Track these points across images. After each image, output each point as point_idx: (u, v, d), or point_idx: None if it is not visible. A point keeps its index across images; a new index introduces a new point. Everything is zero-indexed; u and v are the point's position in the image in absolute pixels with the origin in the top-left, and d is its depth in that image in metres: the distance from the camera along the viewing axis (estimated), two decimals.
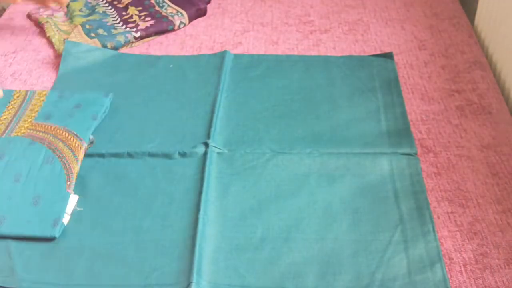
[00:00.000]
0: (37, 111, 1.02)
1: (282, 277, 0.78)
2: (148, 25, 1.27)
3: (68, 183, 0.89)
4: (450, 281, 0.77)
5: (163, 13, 1.31)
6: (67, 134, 0.96)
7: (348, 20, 1.31)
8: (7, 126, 0.99)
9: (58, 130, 0.97)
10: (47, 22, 1.29)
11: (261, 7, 1.38)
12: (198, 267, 0.78)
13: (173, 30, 1.29)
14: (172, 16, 1.30)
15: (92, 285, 0.78)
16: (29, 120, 1.00)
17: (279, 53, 1.22)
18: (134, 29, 1.25)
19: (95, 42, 1.22)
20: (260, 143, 0.98)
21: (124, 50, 1.24)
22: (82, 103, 1.04)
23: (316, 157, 0.95)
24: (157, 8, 1.33)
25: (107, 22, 1.29)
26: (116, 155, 0.96)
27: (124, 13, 1.32)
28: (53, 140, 0.95)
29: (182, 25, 1.30)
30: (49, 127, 0.98)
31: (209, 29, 1.30)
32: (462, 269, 0.79)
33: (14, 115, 1.02)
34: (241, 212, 0.87)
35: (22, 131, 0.98)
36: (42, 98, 1.05)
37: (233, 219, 0.86)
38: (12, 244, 0.83)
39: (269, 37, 1.27)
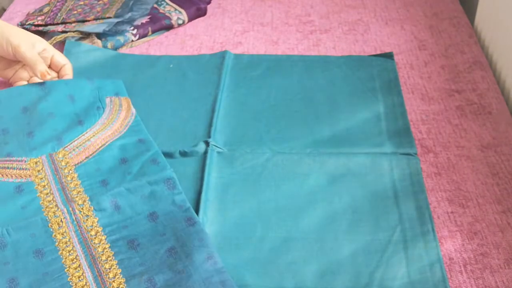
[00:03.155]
0: None
1: (282, 276, 0.78)
2: (144, 22, 1.27)
3: None
4: (450, 281, 0.77)
5: (161, 10, 1.31)
6: None
7: (348, 20, 1.31)
8: None
9: None
10: None
11: (261, 7, 1.38)
12: None
13: (171, 25, 1.28)
14: (170, 13, 1.30)
15: None
16: None
17: (279, 53, 1.22)
18: (130, 26, 1.25)
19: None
20: (260, 143, 0.98)
21: (124, 50, 1.24)
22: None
23: (316, 157, 0.95)
24: (155, 5, 1.33)
25: None
26: None
27: None
28: None
29: (180, 21, 1.30)
30: None
31: (209, 29, 1.30)
32: (462, 269, 0.79)
33: None
34: (241, 211, 0.87)
35: None
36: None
37: (233, 219, 0.86)
38: None
39: (269, 37, 1.27)
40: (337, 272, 0.79)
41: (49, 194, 0.85)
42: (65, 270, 0.76)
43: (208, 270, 0.75)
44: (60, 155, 0.91)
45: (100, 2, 1.36)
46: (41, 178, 0.88)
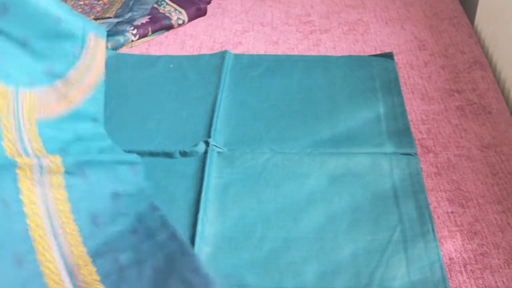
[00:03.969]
0: None
1: (282, 276, 0.78)
2: (144, 22, 1.27)
3: None
4: (450, 281, 0.77)
5: (161, 10, 1.31)
6: None
7: (348, 20, 1.31)
8: None
9: None
10: None
11: (261, 7, 1.38)
12: None
13: (170, 25, 1.29)
14: (170, 13, 1.30)
15: None
16: None
17: (279, 53, 1.22)
18: (130, 26, 1.25)
19: None
20: (260, 143, 0.98)
21: (124, 50, 1.24)
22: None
23: (316, 157, 0.95)
24: (155, 5, 1.34)
25: None
26: None
27: None
28: None
29: (180, 21, 1.30)
30: None
31: (209, 29, 1.30)
32: (462, 269, 0.79)
33: None
34: (241, 211, 0.87)
35: None
36: None
37: (233, 219, 0.86)
38: None
39: (269, 37, 1.27)
40: (337, 272, 0.79)
41: (11, 139, 0.81)
42: (33, 244, 0.76)
43: (170, 246, 0.77)
44: (27, 99, 0.86)
45: (100, 2, 1.37)
46: (4, 115, 0.82)
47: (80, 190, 0.83)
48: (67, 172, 0.83)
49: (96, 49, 0.96)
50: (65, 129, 0.90)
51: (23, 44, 0.86)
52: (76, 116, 0.92)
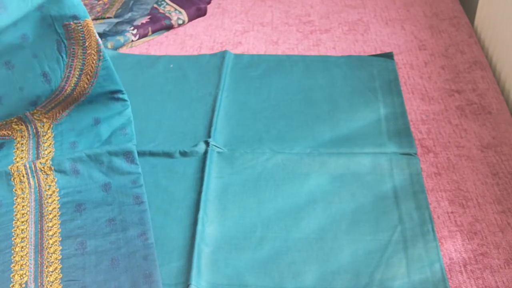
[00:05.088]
0: None
1: (282, 276, 0.78)
2: (144, 22, 1.27)
3: None
4: (450, 281, 0.77)
5: (161, 10, 1.31)
6: None
7: (348, 20, 1.31)
8: None
9: None
10: None
11: (261, 7, 1.38)
12: (197, 267, 0.78)
13: (170, 25, 1.29)
14: (170, 13, 1.30)
15: None
16: None
17: (279, 53, 1.22)
18: (130, 26, 1.25)
19: None
20: (260, 143, 0.98)
21: (124, 50, 1.24)
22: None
23: (316, 157, 0.95)
24: (155, 5, 1.34)
25: None
26: None
27: None
28: None
29: (180, 21, 1.30)
30: None
31: (209, 29, 1.30)
32: (462, 269, 0.79)
33: None
34: (241, 211, 0.87)
35: None
36: None
37: (233, 219, 0.86)
38: None
39: (269, 37, 1.27)
40: (337, 272, 0.79)
41: (24, 151, 0.90)
42: (13, 222, 0.82)
43: (137, 245, 0.79)
44: (37, 114, 0.94)
45: (100, 2, 1.37)
46: (22, 136, 0.92)
47: (71, 186, 0.87)
48: (56, 171, 0.88)
49: (81, 40, 0.95)
50: (80, 117, 0.95)
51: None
52: (92, 98, 0.96)
